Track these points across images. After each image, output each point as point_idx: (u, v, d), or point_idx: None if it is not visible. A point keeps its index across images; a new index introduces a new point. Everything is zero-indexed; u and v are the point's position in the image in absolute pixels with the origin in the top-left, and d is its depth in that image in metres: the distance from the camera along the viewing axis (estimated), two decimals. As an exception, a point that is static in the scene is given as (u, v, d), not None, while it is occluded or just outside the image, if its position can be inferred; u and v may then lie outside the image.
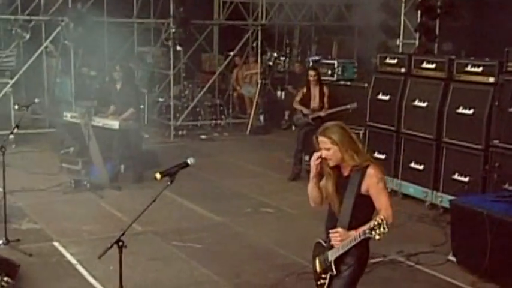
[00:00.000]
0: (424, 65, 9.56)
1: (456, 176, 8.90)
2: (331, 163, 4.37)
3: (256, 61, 15.43)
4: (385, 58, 10.25)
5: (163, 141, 13.88)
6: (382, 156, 10.08)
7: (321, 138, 4.36)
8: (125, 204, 9.27)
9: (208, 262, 7.23)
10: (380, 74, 10.34)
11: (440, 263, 7.27)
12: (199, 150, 13.19)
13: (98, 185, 9.97)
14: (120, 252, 4.35)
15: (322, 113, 10.36)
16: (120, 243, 4.30)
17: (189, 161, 4.55)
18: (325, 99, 10.45)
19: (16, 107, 9.56)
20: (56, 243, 7.69)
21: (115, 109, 10.35)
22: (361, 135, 10.49)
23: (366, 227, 4.10)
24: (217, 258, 7.38)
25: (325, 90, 10.48)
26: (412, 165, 9.60)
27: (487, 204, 6.99)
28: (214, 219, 8.81)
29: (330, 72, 10.90)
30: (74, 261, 7.10)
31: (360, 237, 4.18)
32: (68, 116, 10.29)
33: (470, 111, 8.73)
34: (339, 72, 10.86)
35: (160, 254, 7.50)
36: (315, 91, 10.50)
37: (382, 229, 4.01)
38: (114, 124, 9.81)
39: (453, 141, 8.98)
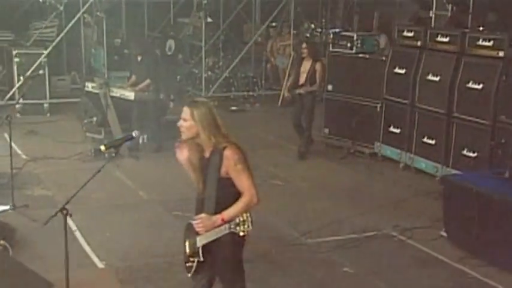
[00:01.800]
0: (439, 38, 9.42)
1: (465, 152, 8.81)
2: (184, 136, 4.38)
3: (290, 32, 15.40)
4: (403, 31, 10.13)
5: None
6: (397, 131, 10.05)
7: (184, 108, 4.37)
8: (138, 174, 9.58)
9: (199, 231, 7.42)
10: (397, 47, 10.25)
11: (433, 238, 7.26)
12: (226, 121, 13.26)
13: (117, 153, 10.25)
14: (65, 220, 4.50)
15: (301, 90, 10.25)
16: (65, 212, 4.47)
17: (133, 134, 4.70)
18: (317, 75, 10.20)
19: (21, 78, 9.89)
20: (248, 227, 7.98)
21: (135, 80, 10.63)
22: (378, 109, 10.43)
23: (232, 222, 4.22)
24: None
25: (318, 66, 10.21)
26: (425, 140, 9.53)
27: (478, 181, 6.96)
28: (220, 190, 8.97)
29: (349, 44, 10.80)
30: (74, 227, 7.38)
31: (226, 229, 4.25)
32: (89, 86, 10.62)
33: (480, 86, 8.60)
34: (358, 45, 10.74)
35: (158, 222, 7.74)
36: (305, 66, 10.32)
37: (246, 226, 4.19)
38: (130, 95, 10.09)
39: (463, 116, 8.89)
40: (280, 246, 7.05)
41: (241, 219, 4.20)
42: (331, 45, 11.28)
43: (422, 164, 9.55)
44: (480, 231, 6.66)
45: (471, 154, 8.69)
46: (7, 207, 7.79)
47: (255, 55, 16.50)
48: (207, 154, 4.40)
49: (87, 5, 13.47)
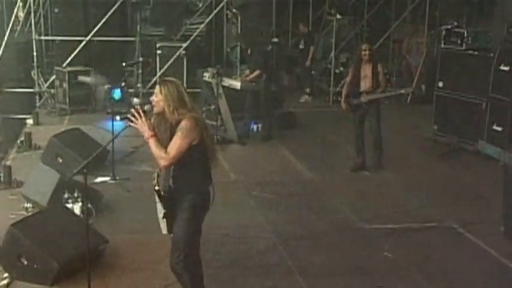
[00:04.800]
0: (542, 34, 9.16)
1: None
2: (155, 109, 4.97)
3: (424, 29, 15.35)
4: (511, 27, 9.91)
5: (320, 106, 14.59)
6: (499, 129, 9.87)
7: (157, 86, 5.00)
8: (237, 158, 10.32)
9: (270, 211, 7.95)
10: (506, 43, 10.03)
11: (492, 233, 7.20)
12: (346, 116, 13.63)
13: (227, 139, 11.07)
14: (85, 179, 5.21)
15: (374, 96, 9.23)
16: (84, 170, 5.19)
17: (145, 108, 5.19)
18: (381, 78, 9.22)
19: (124, 64, 10.90)
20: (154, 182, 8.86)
21: (249, 72, 11.35)
22: (483, 107, 10.28)
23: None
24: (281, 209, 8.05)
25: (380, 68, 9.24)
26: (524, 139, 9.32)
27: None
28: (306, 176, 9.45)
29: (458, 41, 10.71)
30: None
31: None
32: (206, 76, 11.49)
33: None
34: (469, 42, 10.60)
35: (234, 200, 8.34)
36: (365, 70, 9.23)
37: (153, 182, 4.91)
38: (237, 84, 10.82)
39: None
40: (334, 228, 7.40)
41: (154, 174, 4.87)
42: (443, 41, 11.22)
43: (519, 163, 9.32)
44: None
45: None
46: (107, 178, 8.83)
47: (394, 52, 16.60)
48: (173, 126, 4.96)
49: (223, 2, 14.42)
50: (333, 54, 15.21)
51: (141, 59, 10.62)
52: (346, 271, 6.29)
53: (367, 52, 9.21)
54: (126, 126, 5.18)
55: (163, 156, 4.85)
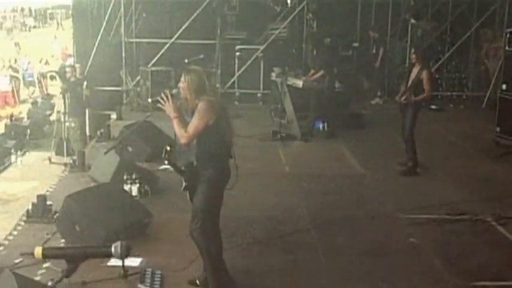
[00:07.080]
0: None
1: None
2: (182, 95, 5.56)
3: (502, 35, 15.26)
4: None
5: (392, 108, 14.75)
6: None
7: (183, 74, 5.56)
8: (295, 153, 10.86)
9: (312, 200, 8.43)
10: None
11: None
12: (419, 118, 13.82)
13: (291, 136, 11.61)
14: (122, 150, 5.90)
15: (397, 98, 9.68)
16: (120, 146, 5.88)
17: (173, 92, 5.81)
18: (424, 84, 9.26)
19: (186, 60, 11.57)
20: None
21: (313, 72, 11.84)
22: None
23: None
24: (324, 198, 8.51)
25: (424, 75, 9.25)
26: None
27: None
28: (357, 171, 9.85)
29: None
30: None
31: None
32: (273, 75, 12.08)
33: None
34: (535, 45, 10.67)
35: (282, 189, 8.87)
36: (413, 73, 9.43)
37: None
38: (299, 83, 11.33)
39: None
40: (369, 216, 7.78)
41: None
42: (507, 44, 11.28)
43: None
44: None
45: None
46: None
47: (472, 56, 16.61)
48: (195, 109, 5.53)
49: (300, 6, 14.99)
50: (407, 58, 15.38)
51: (201, 56, 11.36)
52: (367, 251, 6.69)
53: (413, 56, 9.55)
54: (155, 108, 5.82)
55: (183, 134, 5.48)
